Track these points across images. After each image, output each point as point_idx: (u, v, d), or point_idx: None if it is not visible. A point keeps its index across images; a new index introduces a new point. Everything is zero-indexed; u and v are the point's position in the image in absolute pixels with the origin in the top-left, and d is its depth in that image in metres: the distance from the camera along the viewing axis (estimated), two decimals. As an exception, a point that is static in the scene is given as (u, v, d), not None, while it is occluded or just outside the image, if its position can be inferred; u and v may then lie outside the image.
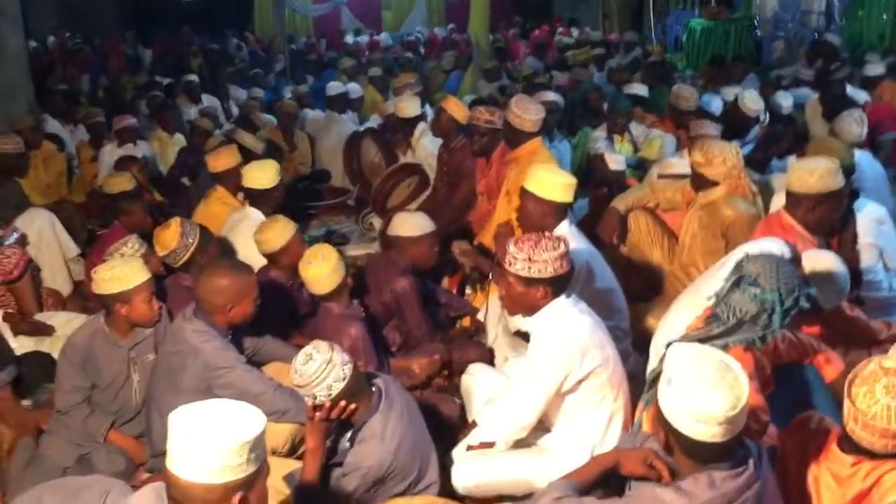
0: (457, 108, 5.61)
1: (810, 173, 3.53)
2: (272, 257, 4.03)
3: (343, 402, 2.67)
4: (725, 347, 2.53)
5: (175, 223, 3.82)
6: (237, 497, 1.79)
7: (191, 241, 3.78)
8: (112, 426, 3.39)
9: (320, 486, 2.72)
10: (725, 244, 4.10)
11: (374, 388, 2.81)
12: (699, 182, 4.25)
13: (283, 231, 3.98)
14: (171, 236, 3.77)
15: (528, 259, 2.86)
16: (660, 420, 2.06)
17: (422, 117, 6.41)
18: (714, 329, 2.62)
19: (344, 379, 2.64)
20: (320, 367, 2.61)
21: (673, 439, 2.05)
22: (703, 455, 2.01)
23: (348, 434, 2.81)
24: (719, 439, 1.95)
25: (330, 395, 2.63)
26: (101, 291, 3.31)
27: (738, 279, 2.61)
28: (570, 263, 2.93)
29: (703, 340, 2.57)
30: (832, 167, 3.53)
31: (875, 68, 8.12)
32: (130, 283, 3.28)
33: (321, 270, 3.55)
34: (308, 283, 3.64)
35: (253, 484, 1.82)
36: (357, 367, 2.74)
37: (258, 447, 1.82)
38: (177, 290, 3.76)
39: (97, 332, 3.40)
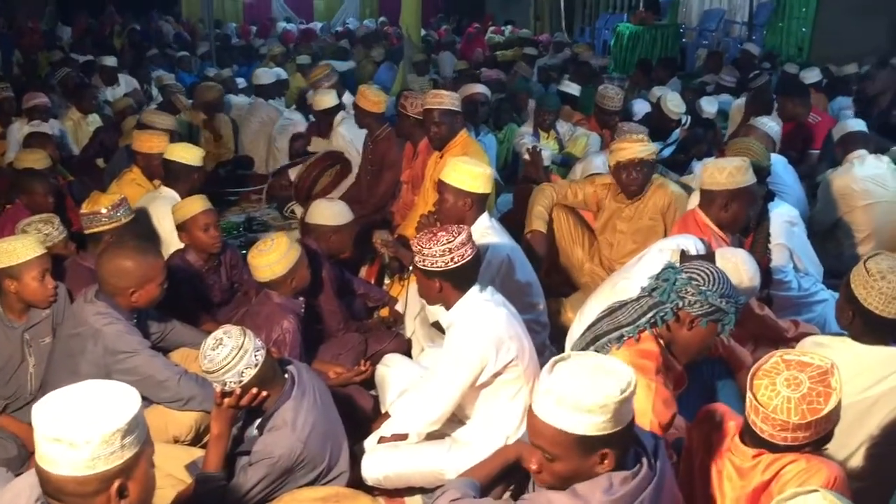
0: (364, 100, 5.52)
1: (720, 170, 3.61)
2: (179, 227, 3.98)
3: (254, 390, 2.58)
4: (621, 339, 2.55)
5: (119, 196, 3.81)
6: (115, 486, 1.63)
7: (115, 218, 3.70)
8: (4, 411, 3.23)
9: (224, 474, 2.63)
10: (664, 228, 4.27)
11: (286, 375, 2.73)
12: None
13: (198, 201, 3.96)
14: (106, 201, 3.72)
15: (420, 252, 2.91)
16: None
17: (340, 107, 6.38)
18: (621, 315, 2.63)
19: (256, 365, 2.55)
20: (231, 353, 2.52)
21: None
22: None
23: (257, 422, 2.72)
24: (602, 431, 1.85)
25: (241, 381, 2.54)
26: None
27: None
28: (465, 257, 2.89)
29: (608, 332, 2.59)
30: (742, 165, 3.61)
31: (811, 76, 8.15)
32: (19, 257, 3.14)
33: (264, 258, 3.43)
34: (251, 268, 3.52)
35: (132, 469, 1.66)
36: (270, 353, 2.66)
37: (134, 430, 1.64)
38: (77, 271, 3.61)
39: None
